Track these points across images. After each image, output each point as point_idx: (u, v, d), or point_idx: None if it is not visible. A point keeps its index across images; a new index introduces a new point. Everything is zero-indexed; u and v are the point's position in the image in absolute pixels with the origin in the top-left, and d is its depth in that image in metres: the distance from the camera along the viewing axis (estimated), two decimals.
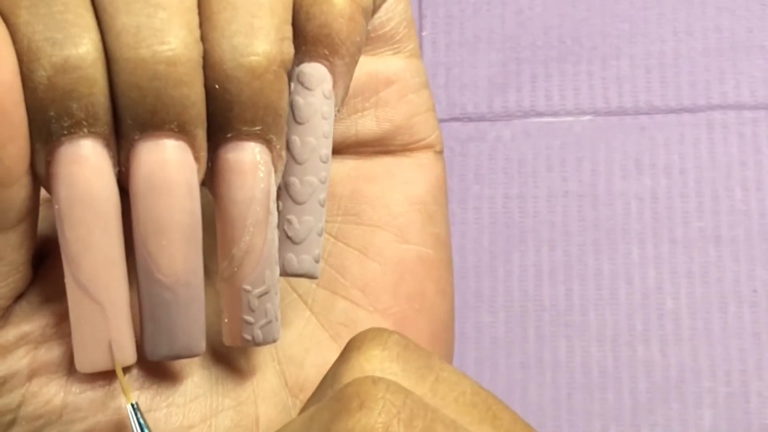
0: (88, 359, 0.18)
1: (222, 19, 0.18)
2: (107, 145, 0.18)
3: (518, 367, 0.34)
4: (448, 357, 0.23)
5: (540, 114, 0.36)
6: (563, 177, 0.35)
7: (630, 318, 0.34)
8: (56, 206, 0.18)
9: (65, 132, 0.17)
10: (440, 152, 0.23)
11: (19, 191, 0.17)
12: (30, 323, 0.19)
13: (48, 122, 0.17)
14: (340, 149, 0.22)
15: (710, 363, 0.33)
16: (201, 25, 0.18)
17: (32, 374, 0.18)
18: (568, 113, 0.36)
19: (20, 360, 0.18)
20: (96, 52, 0.17)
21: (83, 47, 0.17)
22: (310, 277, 0.20)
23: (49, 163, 0.17)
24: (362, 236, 0.22)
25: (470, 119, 0.36)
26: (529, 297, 0.34)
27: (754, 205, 0.34)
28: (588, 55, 0.36)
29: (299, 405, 0.21)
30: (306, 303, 0.22)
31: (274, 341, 0.20)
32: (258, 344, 0.19)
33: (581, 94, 0.36)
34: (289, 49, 0.18)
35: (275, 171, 0.19)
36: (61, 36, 0.17)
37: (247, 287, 0.19)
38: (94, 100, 0.17)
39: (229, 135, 0.18)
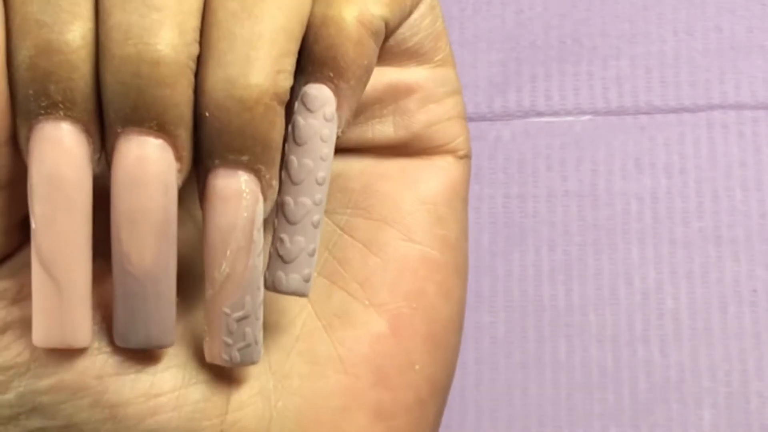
0: (43, 334, 0.19)
1: (219, 48, 0.18)
2: (86, 131, 0.18)
3: (518, 367, 0.34)
4: (449, 361, 0.23)
5: (540, 114, 0.36)
6: (563, 177, 0.35)
7: (630, 318, 0.34)
8: (29, 180, 0.18)
9: (42, 111, 0.18)
10: (463, 157, 0.23)
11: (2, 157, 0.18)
12: (8, 282, 0.19)
13: (27, 100, 0.18)
14: (355, 149, 0.22)
15: (710, 363, 0.33)
16: (200, 47, 0.18)
17: (6, 328, 0.19)
18: (568, 113, 0.36)
19: None
20: (82, 41, 0.18)
21: (69, 34, 0.17)
22: (299, 295, 0.20)
23: (28, 139, 0.18)
24: (368, 230, 0.22)
25: (470, 119, 0.36)
26: (528, 297, 0.34)
27: (755, 205, 0.34)
28: (588, 55, 0.36)
29: (281, 390, 0.21)
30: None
31: (253, 363, 0.20)
32: (236, 365, 0.20)
33: (581, 94, 0.36)
34: (286, 82, 0.19)
35: (264, 199, 0.19)
36: (50, 20, 0.17)
37: (227, 310, 0.19)
38: (73, 86, 0.18)
39: (216, 162, 0.19)
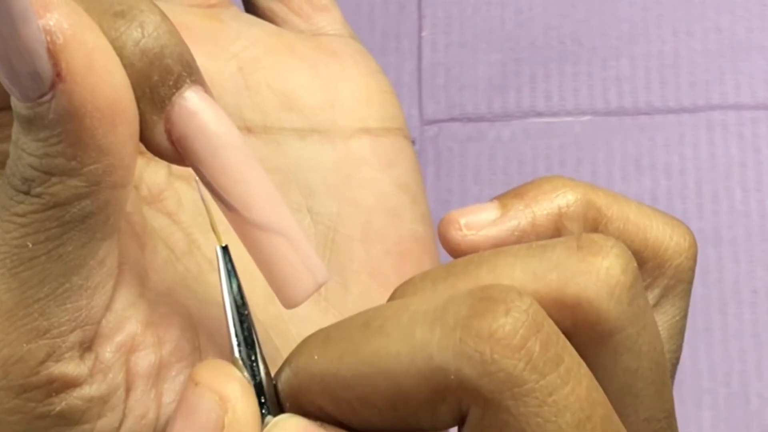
0: (294, 292, 0.18)
1: None
2: (207, 90, 0.18)
3: None
4: None
5: (539, 114, 0.36)
6: None
7: None
8: (197, 164, 0.17)
9: (173, 90, 0.17)
10: (409, 138, 0.23)
11: (129, 191, 0.17)
12: (121, 333, 0.18)
13: (156, 88, 0.17)
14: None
15: (710, 364, 0.33)
16: None
17: (129, 387, 0.18)
18: (568, 113, 0.36)
19: (117, 374, 0.18)
20: (161, 13, 0.17)
21: (154, 11, 0.17)
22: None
23: (169, 130, 0.17)
24: (359, 220, 0.22)
25: (470, 119, 0.36)
26: None
27: (754, 205, 0.34)
28: (588, 56, 0.36)
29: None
30: (320, 294, 0.21)
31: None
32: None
33: (581, 94, 0.36)
34: None
35: None
36: (127, 5, 0.17)
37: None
38: (181, 50, 0.17)
39: None
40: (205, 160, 0.17)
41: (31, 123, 0.16)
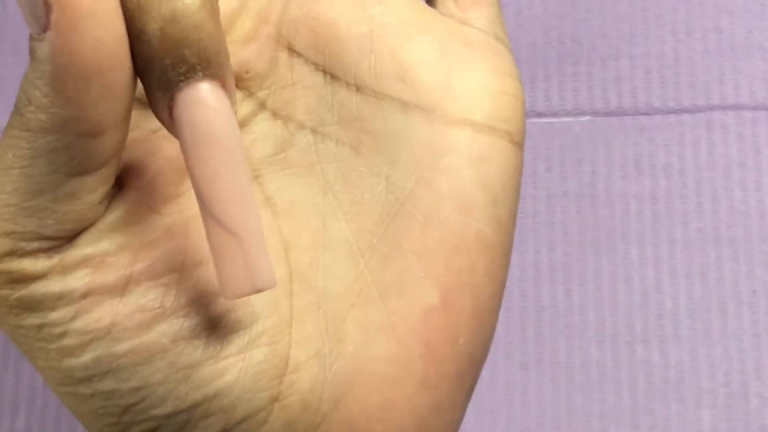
0: (234, 287, 0.19)
1: None
2: (223, 86, 0.19)
3: (517, 368, 0.34)
4: (487, 338, 0.23)
5: (539, 114, 0.36)
6: (562, 177, 0.35)
7: (629, 318, 0.34)
8: (183, 147, 0.19)
9: (182, 78, 0.19)
10: (519, 144, 0.24)
11: (103, 143, 0.19)
12: (93, 248, 0.20)
13: (165, 71, 0.19)
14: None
15: (709, 364, 0.33)
16: None
17: (87, 293, 0.20)
18: (568, 114, 0.36)
19: (78, 279, 0.20)
20: (201, 1, 0.19)
21: None
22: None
23: (170, 109, 0.19)
24: (429, 203, 0.22)
25: None
26: (528, 297, 0.34)
27: (754, 205, 0.34)
28: (587, 56, 0.36)
29: (336, 354, 0.21)
30: (362, 258, 0.22)
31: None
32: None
33: (580, 94, 0.36)
34: None
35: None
36: None
37: None
38: (204, 45, 0.19)
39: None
40: (187, 147, 0.19)
41: (31, 52, 0.18)
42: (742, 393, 0.33)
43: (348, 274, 0.22)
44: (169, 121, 0.19)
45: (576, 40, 0.36)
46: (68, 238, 0.20)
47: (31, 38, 0.18)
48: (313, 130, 0.23)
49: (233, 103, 0.19)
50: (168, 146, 0.22)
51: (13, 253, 0.19)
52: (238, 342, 0.20)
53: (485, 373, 0.34)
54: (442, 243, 0.22)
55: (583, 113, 0.36)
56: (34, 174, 0.19)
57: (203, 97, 0.19)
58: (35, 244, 0.19)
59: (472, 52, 0.23)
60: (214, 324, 0.20)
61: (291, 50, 0.23)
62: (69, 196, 0.19)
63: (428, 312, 0.22)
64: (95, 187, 0.20)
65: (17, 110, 0.19)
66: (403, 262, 0.22)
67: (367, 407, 0.21)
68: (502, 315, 0.34)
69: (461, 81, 0.23)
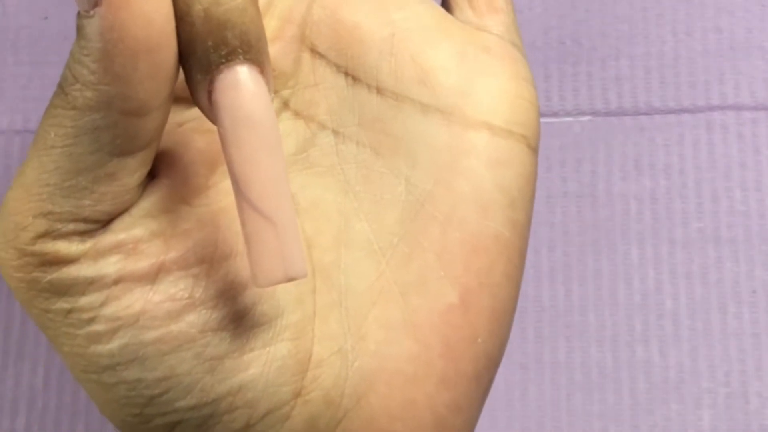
0: (265, 275, 0.19)
1: None
2: (262, 72, 0.19)
3: (517, 368, 0.34)
4: (504, 338, 0.23)
5: (539, 114, 0.36)
6: (562, 178, 0.35)
7: (629, 319, 0.34)
8: (221, 131, 0.19)
9: (223, 60, 0.19)
10: (534, 149, 0.24)
11: (147, 123, 0.19)
12: (126, 234, 0.20)
13: (207, 53, 0.19)
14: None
15: (709, 364, 0.33)
16: None
17: (119, 280, 0.20)
18: (568, 114, 0.36)
19: (110, 265, 0.20)
20: None
21: None
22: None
23: (210, 92, 0.19)
24: (448, 204, 0.22)
25: None
26: (528, 298, 0.34)
27: (754, 205, 0.34)
28: (587, 56, 0.36)
29: (358, 351, 0.22)
30: (383, 257, 0.22)
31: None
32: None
33: (580, 94, 0.36)
34: None
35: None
36: None
37: None
38: (246, 29, 0.19)
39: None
40: (225, 131, 0.19)
41: (78, 29, 0.18)
42: (742, 393, 0.33)
43: (369, 273, 0.22)
44: (208, 105, 0.19)
45: (576, 40, 0.36)
46: (103, 222, 0.20)
47: (79, 15, 0.18)
48: (335, 131, 0.23)
49: (270, 91, 0.19)
50: (198, 138, 0.22)
51: (48, 234, 0.19)
52: (263, 336, 0.21)
53: None
54: (462, 243, 0.22)
55: (583, 113, 0.36)
56: (76, 153, 0.19)
57: (243, 80, 0.19)
58: (71, 226, 0.19)
59: (491, 57, 0.24)
60: (240, 316, 0.21)
61: (314, 51, 0.23)
62: (109, 177, 0.19)
63: (448, 311, 0.22)
64: (135, 169, 0.20)
65: (61, 89, 0.19)
66: (423, 262, 0.22)
67: (389, 405, 0.21)
68: None
69: (480, 85, 0.23)
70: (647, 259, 0.34)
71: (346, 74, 0.23)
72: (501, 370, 0.34)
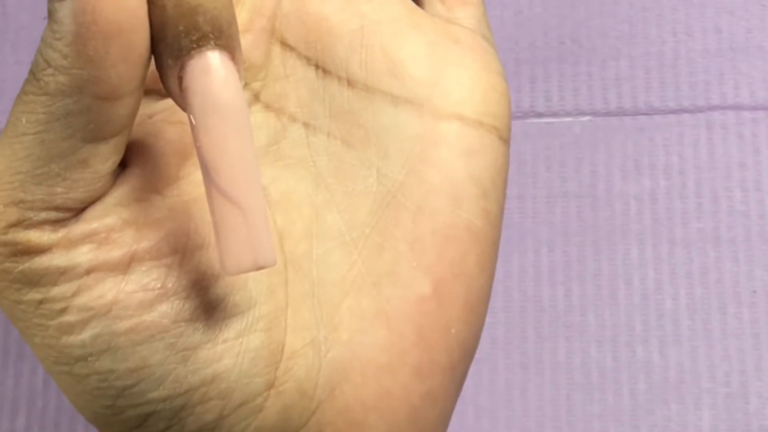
0: (235, 262, 0.19)
1: None
2: (233, 59, 0.19)
3: (517, 368, 0.34)
4: (478, 328, 0.23)
5: (539, 115, 0.36)
6: (562, 178, 0.35)
7: (629, 319, 0.34)
8: (191, 117, 0.19)
9: (194, 45, 0.19)
10: (506, 140, 0.24)
11: (120, 108, 0.19)
12: (99, 223, 0.20)
13: (178, 38, 0.19)
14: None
15: (709, 364, 0.33)
16: None
17: (91, 269, 0.20)
18: (568, 114, 0.36)
19: (82, 255, 0.20)
20: None
21: None
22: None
23: (180, 78, 0.19)
24: (420, 195, 0.22)
25: None
26: (528, 298, 0.34)
27: (754, 206, 0.34)
28: (587, 56, 0.36)
29: (331, 341, 0.21)
30: (356, 248, 0.22)
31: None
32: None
33: (580, 94, 0.36)
34: None
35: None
36: None
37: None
38: (217, 14, 0.19)
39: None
40: (196, 116, 0.19)
41: (50, 13, 0.18)
42: (742, 393, 0.33)
43: (342, 264, 0.22)
44: (178, 91, 0.19)
45: (576, 40, 0.36)
46: (76, 211, 0.20)
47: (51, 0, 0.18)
48: (305, 123, 0.23)
49: (241, 78, 0.19)
50: (169, 129, 0.22)
51: (19, 224, 0.19)
52: (235, 326, 0.20)
53: (485, 373, 0.34)
54: (434, 233, 0.22)
55: (583, 113, 0.36)
56: (48, 139, 0.19)
57: (214, 66, 0.19)
58: (43, 215, 0.19)
59: (461, 49, 0.23)
60: (213, 307, 0.20)
61: (284, 44, 0.23)
62: (81, 163, 0.19)
63: (421, 301, 0.22)
64: (107, 155, 0.20)
65: (32, 76, 0.19)
66: (395, 252, 0.22)
67: (363, 395, 0.21)
68: (502, 315, 0.34)
69: (450, 76, 0.23)
70: (647, 259, 0.34)
71: (317, 66, 0.23)
72: (501, 370, 0.34)
